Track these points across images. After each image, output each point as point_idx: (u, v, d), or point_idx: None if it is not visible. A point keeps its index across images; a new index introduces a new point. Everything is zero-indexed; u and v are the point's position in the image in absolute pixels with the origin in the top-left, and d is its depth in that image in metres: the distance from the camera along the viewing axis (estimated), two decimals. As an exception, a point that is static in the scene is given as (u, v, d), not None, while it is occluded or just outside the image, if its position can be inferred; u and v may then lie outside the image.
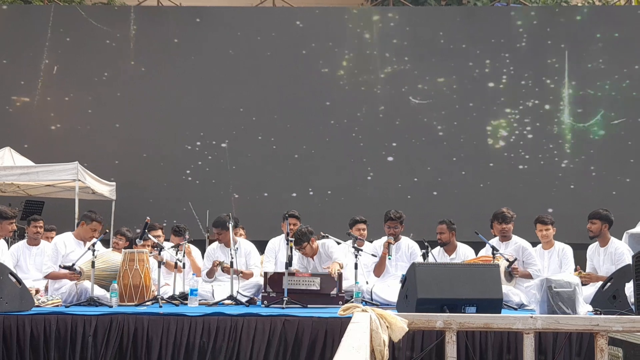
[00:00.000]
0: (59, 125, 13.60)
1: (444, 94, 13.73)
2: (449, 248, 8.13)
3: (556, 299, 5.84)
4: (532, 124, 13.62)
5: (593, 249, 7.76)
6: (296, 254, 7.89)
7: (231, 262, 7.38)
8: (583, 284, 6.80)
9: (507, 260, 7.45)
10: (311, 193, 13.39)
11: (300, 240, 7.64)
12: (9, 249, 8.32)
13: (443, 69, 13.77)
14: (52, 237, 8.67)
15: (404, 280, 6.36)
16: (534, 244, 8.08)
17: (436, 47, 13.81)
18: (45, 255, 7.76)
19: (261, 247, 8.68)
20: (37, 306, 6.72)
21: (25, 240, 8.70)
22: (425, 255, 7.48)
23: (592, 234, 7.64)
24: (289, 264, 7.15)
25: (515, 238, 7.94)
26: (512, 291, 7.29)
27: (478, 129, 13.63)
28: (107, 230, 8.67)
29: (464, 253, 8.12)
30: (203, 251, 8.64)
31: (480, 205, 12.27)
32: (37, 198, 12.27)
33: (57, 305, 6.93)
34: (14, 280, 6.51)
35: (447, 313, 5.12)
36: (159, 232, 8.87)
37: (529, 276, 7.59)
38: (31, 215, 9.29)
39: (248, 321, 6.14)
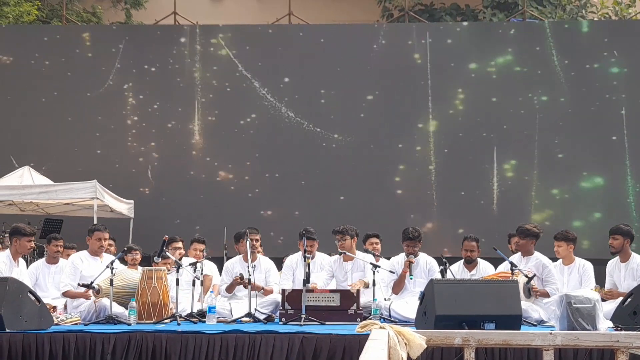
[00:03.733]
0: (78, 143, 13.65)
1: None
2: (471, 264, 8.09)
3: (576, 315, 5.79)
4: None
5: (613, 264, 7.66)
6: (323, 264, 7.87)
7: (249, 279, 7.38)
8: (604, 301, 6.72)
9: (526, 276, 7.37)
10: (324, 209, 13.27)
11: (345, 230, 7.77)
12: (27, 267, 8.37)
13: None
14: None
15: (422, 296, 6.33)
16: (555, 259, 7.99)
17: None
18: (62, 273, 7.80)
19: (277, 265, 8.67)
20: (56, 324, 6.75)
21: (44, 259, 8.74)
22: (443, 272, 7.44)
23: (614, 249, 7.56)
24: (306, 280, 7.13)
25: (537, 254, 7.82)
26: (531, 307, 7.22)
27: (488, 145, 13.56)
28: (126, 248, 8.69)
29: (484, 269, 8.06)
30: (221, 268, 8.64)
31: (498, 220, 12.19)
32: (55, 216, 12.32)
33: (76, 324, 6.96)
34: (33, 298, 6.55)
35: (465, 330, 5.09)
36: (179, 244, 8.82)
37: (547, 295, 7.45)
38: (50, 233, 9.33)
39: (266, 338, 6.13)
